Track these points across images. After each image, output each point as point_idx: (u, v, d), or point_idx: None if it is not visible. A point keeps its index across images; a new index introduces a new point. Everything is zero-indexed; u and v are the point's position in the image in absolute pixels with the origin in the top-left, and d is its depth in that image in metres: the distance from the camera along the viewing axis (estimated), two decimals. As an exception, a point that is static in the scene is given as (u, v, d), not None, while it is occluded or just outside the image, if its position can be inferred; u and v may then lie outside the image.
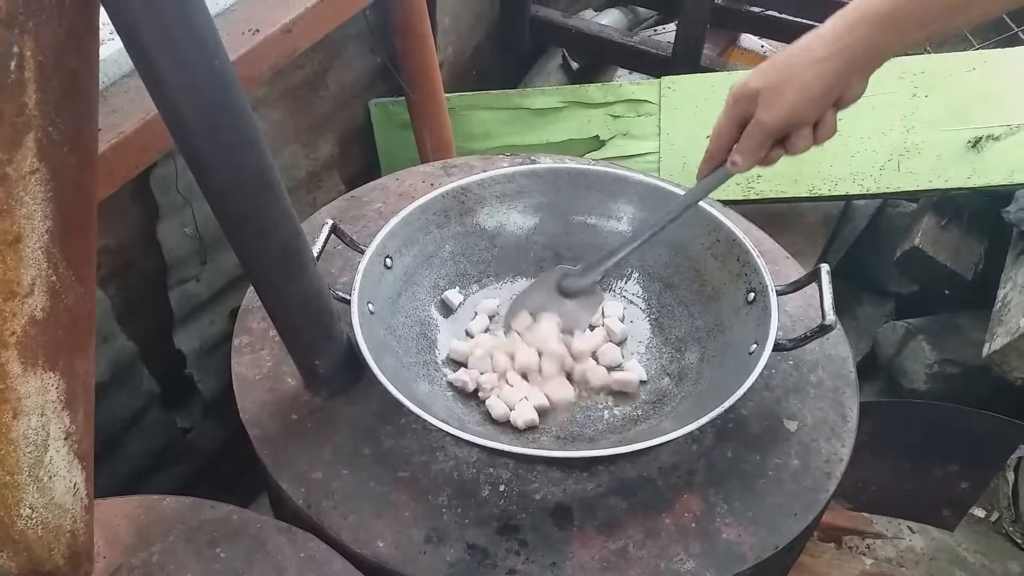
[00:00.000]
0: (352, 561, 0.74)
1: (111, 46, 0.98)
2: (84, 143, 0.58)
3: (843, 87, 0.73)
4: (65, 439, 0.62)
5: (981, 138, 1.45)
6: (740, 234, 0.92)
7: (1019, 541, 1.41)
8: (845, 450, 0.84)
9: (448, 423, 0.76)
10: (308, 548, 0.75)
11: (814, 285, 0.86)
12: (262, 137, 0.66)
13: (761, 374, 0.80)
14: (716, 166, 0.82)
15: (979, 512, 1.45)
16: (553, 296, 0.95)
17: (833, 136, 0.76)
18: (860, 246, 1.78)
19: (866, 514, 1.37)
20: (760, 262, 0.89)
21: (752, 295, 0.88)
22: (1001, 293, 1.33)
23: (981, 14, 0.69)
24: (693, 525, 0.77)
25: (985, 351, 1.26)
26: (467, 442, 0.77)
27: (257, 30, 1.09)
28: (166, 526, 0.76)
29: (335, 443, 0.83)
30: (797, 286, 0.89)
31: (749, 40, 2.09)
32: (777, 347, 0.82)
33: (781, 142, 0.77)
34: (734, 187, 1.53)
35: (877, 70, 0.73)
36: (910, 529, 1.41)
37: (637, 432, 0.84)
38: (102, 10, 0.56)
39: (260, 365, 0.90)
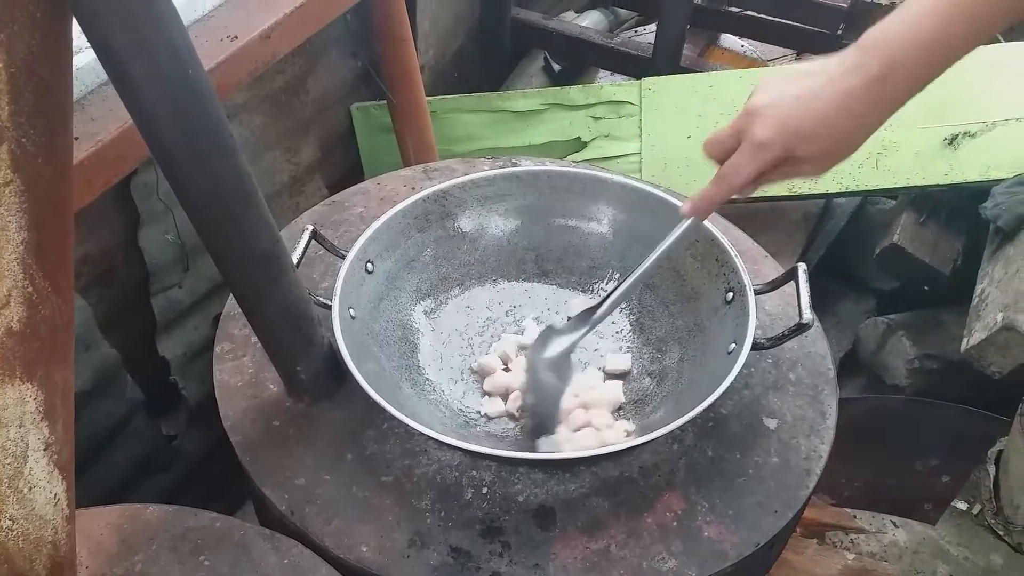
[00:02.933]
0: (336, 566, 0.74)
1: (88, 55, 0.98)
2: (59, 154, 0.58)
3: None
4: (44, 450, 0.62)
5: (957, 135, 1.46)
6: (719, 234, 0.93)
7: (1001, 533, 1.43)
8: (824, 447, 0.85)
9: (431, 427, 0.77)
10: (292, 554, 0.75)
11: (793, 283, 0.87)
12: (238, 146, 0.66)
13: (741, 373, 0.80)
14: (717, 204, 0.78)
15: (961, 505, 1.46)
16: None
17: None
18: (841, 243, 1.79)
19: (849, 509, 1.38)
20: (738, 262, 0.89)
21: (731, 295, 0.89)
22: (978, 288, 1.34)
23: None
24: (675, 524, 0.78)
25: (964, 346, 1.28)
26: (450, 446, 0.77)
27: (236, 36, 1.09)
28: (149, 534, 0.76)
29: (318, 449, 0.83)
30: (774, 285, 0.90)
31: (729, 40, 2.10)
32: (755, 346, 0.83)
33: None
34: (715, 187, 1.54)
35: None
36: (893, 524, 1.43)
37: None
38: (75, 21, 0.56)
39: (242, 372, 0.90)
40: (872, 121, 0.70)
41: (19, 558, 0.63)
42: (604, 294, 0.89)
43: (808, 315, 0.82)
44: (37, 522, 0.63)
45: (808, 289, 0.85)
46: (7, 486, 0.60)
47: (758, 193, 1.58)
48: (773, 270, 1.01)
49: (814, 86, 0.69)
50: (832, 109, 0.69)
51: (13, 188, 0.55)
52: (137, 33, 0.56)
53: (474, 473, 0.81)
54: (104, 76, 0.99)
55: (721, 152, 0.76)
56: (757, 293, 0.88)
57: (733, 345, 0.84)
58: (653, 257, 0.83)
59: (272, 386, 0.89)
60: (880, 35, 0.68)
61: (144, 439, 1.33)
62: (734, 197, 0.77)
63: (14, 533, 0.62)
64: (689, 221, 0.81)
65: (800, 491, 0.81)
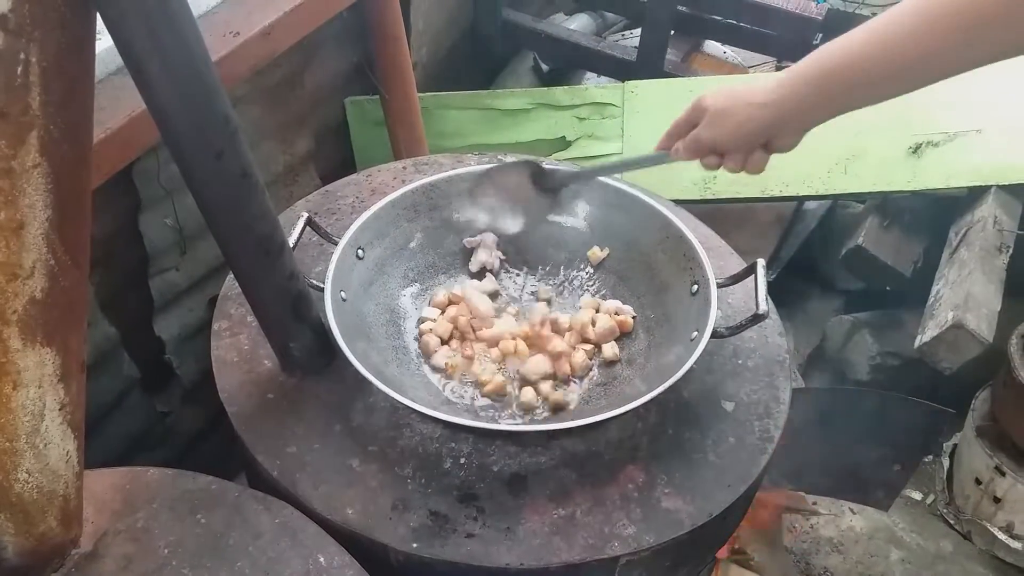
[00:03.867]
0: (324, 527, 0.80)
1: (98, 45, 1.03)
2: (81, 140, 0.64)
3: (772, 134, 0.81)
4: (60, 410, 0.68)
5: (921, 144, 1.54)
6: (687, 231, 1.00)
7: (952, 522, 1.51)
8: (777, 428, 0.92)
9: (415, 402, 0.83)
10: (283, 515, 0.81)
11: (753, 278, 0.94)
12: (243, 138, 0.72)
13: (702, 359, 0.87)
14: (666, 147, 0.92)
15: (915, 495, 1.55)
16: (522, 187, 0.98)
17: (760, 172, 0.85)
18: (811, 245, 1.87)
19: (808, 495, 1.46)
20: (704, 257, 0.96)
21: (696, 287, 0.96)
22: (934, 289, 1.42)
23: (903, 87, 0.75)
24: (636, 494, 0.84)
25: (917, 343, 1.35)
26: (432, 419, 0.84)
27: (237, 32, 1.14)
28: (150, 495, 0.82)
29: (308, 420, 0.89)
30: (736, 279, 0.96)
31: (712, 46, 2.17)
32: (715, 334, 0.90)
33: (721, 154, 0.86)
34: (691, 187, 1.61)
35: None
36: (851, 510, 1.51)
37: (588, 410, 0.91)
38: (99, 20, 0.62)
39: (238, 348, 0.96)
40: (763, 102, 0.79)
41: (34, 509, 0.69)
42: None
43: (764, 306, 0.89)
44: (51, 476, 0.69)
45: (765, 283, 0.91)
46: (25, 442, 0.66)
47: (732, 194, 1.66)
48: (738, 266, 1.08)
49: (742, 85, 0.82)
50: (741, 87, 0.82)
51: (41, 170, 0.61)
52: (155, 33, 0.62)
53: (453, 444, 0.88)
54: (112, 67, 1.05)
55: None
56: (720, 286, 0.95)
57: (695, 333, 0.90)
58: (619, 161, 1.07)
59: (267, 362, 0.95)
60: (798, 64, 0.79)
61: (139, 415, 1.38)
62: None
63: (30, 486, 0.68)
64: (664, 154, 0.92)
65: (753, 468, 0.88)
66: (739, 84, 0.83)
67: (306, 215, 0.97)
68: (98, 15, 0.62)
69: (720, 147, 0.84)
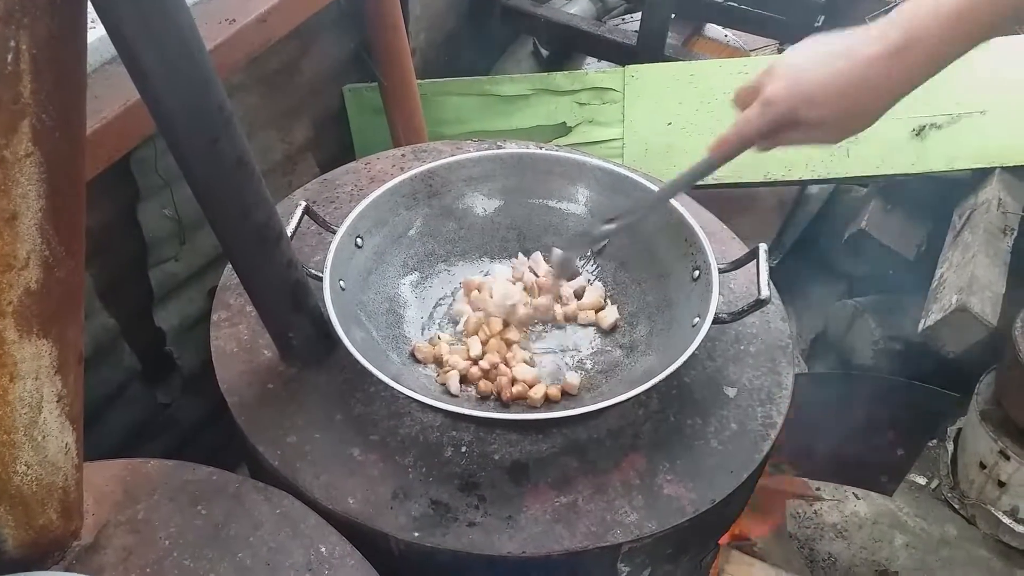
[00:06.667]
0: (325, 517, 0.80)
1: (92, 34, 1.02)
2: (74, 128, 0.63)
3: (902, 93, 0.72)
4: (57, 402, 0.68)
5: (924, 127, 1.53)
6: (688, 216, 0.99)
7: (956, 506, 1.51)
8: (779, 414, 0.91)
9: (414, 391, 0.82)
10: (283, 505, 0.81)
11: (755, 263, 0.93)
12: (239, 126, 0.71)
13: (704, 345, 0.87)
14: (727, 150, 0.80)
15: (919, 479, 1.54)
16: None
17: None
18: (814, 229, 1.86)
19: (811, 480, 1.45)
20: (705, 242, 0.95)
21: (697, 273, 0.95)
22: (938, 272, 1.41)
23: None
24: (637, 482, 0.84)
25: (921, 327, 1.35)
26: (432, 408, 0.84)
27: (233, 20, 1.13)
28: (151, 486, 0.82)
29: (308, 410, 0.89)
30: (737, 264, 0.96)
31: (713, 29, 2.15)
32: (717, 320, 0.89)
33: None
34: (693, 172, 1.60)
35: None
36: (855, 495, 1.51)
37: (589, 398, 0.91)
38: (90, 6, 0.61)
39: (238, 338, 0.96)
40: (886, 94, 0.70)
41: (33, 502, 0.69)
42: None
43: (766, 291, 0.88)
44: (50, 468, 0.69)
45: (767, 268, 0.91)
46: (23, 434, 0.66)
47: (735, 179, 1.65)
48: (740, 251, 1.07)
49: (834, 51, 0.71)
50: (846, 76, 0.70)
51: (33, 159, 0.60)
52: (147, 20, 0.62)
53: (454, 433, 0.87)
54: (107, 55, 1.04)
55: (743, 103, 0.79)
56: (721, 271, 0.94)
57: (697, 319, 0.90)
58: (664, 189, 0.93)
59: (266, 352, 0.94)
60: (907, 8, 0.69)
61: (140, 406, 1.38)
62: (750, 150, 0.80)
63: (28, 478, 0.68)
64: (705, 157, 0.82)
65: (755, 454, 0.88)
66: (830, 79, 0.70)
67: (304, 203, 0.97)
68: (89, 2, 0.61)
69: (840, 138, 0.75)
